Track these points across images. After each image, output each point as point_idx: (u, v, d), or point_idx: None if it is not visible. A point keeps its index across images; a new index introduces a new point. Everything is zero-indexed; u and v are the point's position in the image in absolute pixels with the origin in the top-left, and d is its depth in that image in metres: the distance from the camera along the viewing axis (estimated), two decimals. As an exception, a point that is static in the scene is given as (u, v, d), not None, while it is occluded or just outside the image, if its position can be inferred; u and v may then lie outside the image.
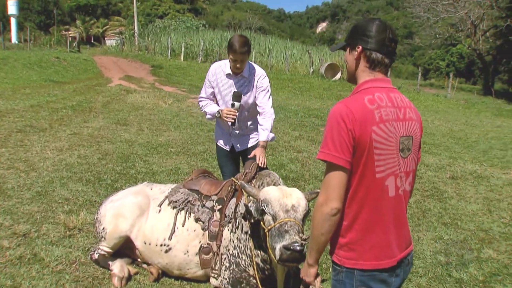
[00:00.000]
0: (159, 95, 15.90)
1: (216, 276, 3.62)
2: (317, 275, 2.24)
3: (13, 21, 39.72)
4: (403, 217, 2.15)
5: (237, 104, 4.09)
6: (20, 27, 43.74)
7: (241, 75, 4.18)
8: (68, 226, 4.47)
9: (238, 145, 4.44)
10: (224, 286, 3.54)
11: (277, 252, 2.78)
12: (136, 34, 37.92)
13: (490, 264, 4.62)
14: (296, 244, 2.68)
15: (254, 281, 3.42)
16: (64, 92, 14.92)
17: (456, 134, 13.23)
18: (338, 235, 2.08)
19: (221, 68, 4.23)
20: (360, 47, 2.09)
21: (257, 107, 4.25)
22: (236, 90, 4.14)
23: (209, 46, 35.15)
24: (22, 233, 4.30)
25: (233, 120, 4.13)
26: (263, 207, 3.01)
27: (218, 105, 4.34)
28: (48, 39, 33.99)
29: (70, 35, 42.27)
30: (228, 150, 4.49)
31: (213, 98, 4.36)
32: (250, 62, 4.26)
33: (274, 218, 2.94)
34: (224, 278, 3.55)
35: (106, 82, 19.17)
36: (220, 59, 31.57)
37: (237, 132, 4.40)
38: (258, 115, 4.27)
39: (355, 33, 2.13)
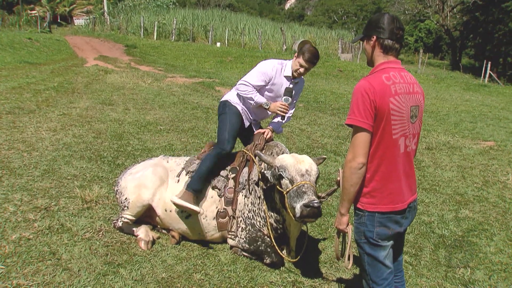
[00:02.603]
0: (137, 75, 15.98)
1: (233, 237, 4.05)
2: (347, 223, 2.69)
3: (-27, 1, 38.34)
4: (411, 169, 2.68)
5: (290, 99, 4.23)
6: (-20, 7, 42.18)
7: (297, 82, 4.31)
8: (85, 200, 4.78)
9: (253, 127, 4.54)
10: (242, 245, 3.98)
11: (298, 210, 3.23)
12: (106, 13, 37.23)
13: (467, 222, 5.20)
14: (315, 202, 3.15)
15: (268, 239, 3.87)
16: (42, 74, 14.83)
17: (428, 108, 13.87)
18: (362, 186, 2.58)
19: (280, 69, 4.22)
20: (375, 36, 2.61)
21: None
22: (288, 88, 4.23)
23: (182, 24, 34.99)
24: (43, 207, 4.61)
25: (285, 114, 4.26)
26: (281, 173, 3.46)
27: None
28: (17, 19, 33.05)
29: (35, 14, 41.03)
30: (246, 125, 4.53)
31: (258, 89, 4.27)
32: None
33: (292, 181, 3.38)
34: (241, 238, 3.98)
35: (82, 63, 19.05)
36: (193, 38, 31.30)
37: (258, 120, 4.55)
38: None
39: (370, 26, 2.64)
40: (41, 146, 6.69)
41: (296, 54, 4.13)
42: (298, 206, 3.24)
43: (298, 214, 3.25)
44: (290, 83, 4.25)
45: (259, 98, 4.19)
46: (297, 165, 3.45)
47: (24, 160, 6.02)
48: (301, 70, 4.12)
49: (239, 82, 4.23)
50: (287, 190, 3.40)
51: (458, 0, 40.02)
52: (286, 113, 4.25)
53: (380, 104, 2.44)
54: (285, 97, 4.21)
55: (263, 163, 3.89)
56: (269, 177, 3.61)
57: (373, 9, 70.84)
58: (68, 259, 3.69)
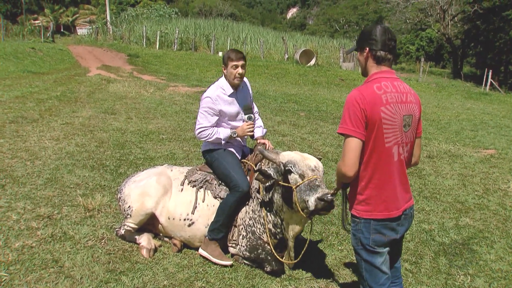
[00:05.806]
0: (140, 84, 16.05)
1: (234, 245, 4.09)
2: None
3: (-22, 11, 38.74)
4: (405, 176, 2.73)
5: (252, 115, 4.24)
6: (-15, 17, 42.59)
7: (240, 89, 4.27)
8: (87, 208, 4.83)
9: (244, 148, 4.49)
10: (242, 253, 4.02)
11: (312, 203, 3.32)
12: (109, 23, 37.52)
13: (468, 230, 5.22)
14: (329, 195, 3.23)
15: (269, 247, 3.91)
16: (46, 83, 14.93)
17: (429, 117, 13.91)
18: (356, 193, 2.65)
19: (220, 92, 4.16)
20: (367, 48, 2.68)
21: None
22: (244, 104, 4.25)
23: (184, 34, 35.22)
24: (46, 215, 4.65)
25: (253, 133, 4.25)
26: (290, 167, 3.54)
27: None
28: (21, 29, 33.36)
29: (39, 24, 41.40)
30: (240, 157, 4.36)
31: (216, 125, 4.19)
32: None
33: (302, 176, 3.47)
34: (242, 246, 4.02)
35: (85, 72, 19.16)
36: (195, 47, 31.40)
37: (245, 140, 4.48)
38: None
39: (362, 38, 2.71)
40: (44, 155, 6.75)
41: (224, 66, 4.14)
42: (312, 199, 3.32)
43: (312, 207, 3.32)
44: (237, 96, 4.23)
45: (224, 133, 4.12)
46: (305, 161, 3.56)
47: (27, 168, 6.08)
48: (239, 70, 4.09)
49: (196, 131, 4.15)
50: (297, 184, 3.45)
51: (459, 9, 40.18)
52: (253, 131, 4.22)
53: (370, 113, 2.50)
54: (247, 115, 4.20)
55: (262, 165, 3.97)
56: (271, 173, 3.68)
57: (374, 18, 71.17)
58: (70, 266, 3.72)
